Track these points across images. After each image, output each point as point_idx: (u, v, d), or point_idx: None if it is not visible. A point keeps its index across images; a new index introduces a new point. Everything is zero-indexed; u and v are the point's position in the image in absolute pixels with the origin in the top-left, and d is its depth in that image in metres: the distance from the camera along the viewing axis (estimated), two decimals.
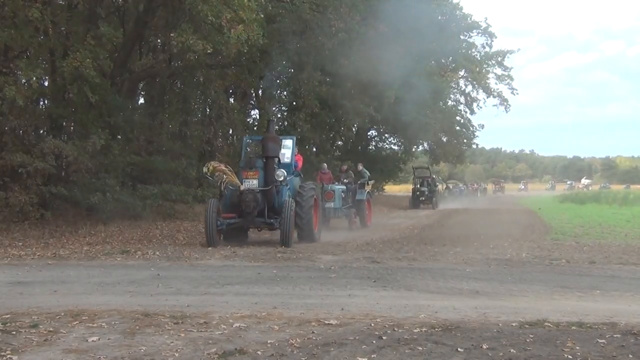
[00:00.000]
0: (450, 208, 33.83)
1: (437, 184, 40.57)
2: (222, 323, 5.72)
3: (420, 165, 44.50)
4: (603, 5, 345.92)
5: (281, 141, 14.87)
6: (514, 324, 5.64)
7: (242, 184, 13.79)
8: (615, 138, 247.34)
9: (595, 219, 22.09)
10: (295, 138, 16.48)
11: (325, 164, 20.81)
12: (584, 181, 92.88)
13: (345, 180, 19.73)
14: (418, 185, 36.72)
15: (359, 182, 20.42)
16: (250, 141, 16.21)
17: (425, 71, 34.50)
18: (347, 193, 19.07)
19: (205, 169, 13.90)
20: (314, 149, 32.82)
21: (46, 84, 18.42)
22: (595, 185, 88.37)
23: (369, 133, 42.55)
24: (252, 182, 13.88)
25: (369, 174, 21.69)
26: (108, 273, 9.37)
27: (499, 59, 47.03)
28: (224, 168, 13.89)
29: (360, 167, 21.62)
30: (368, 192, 20.73)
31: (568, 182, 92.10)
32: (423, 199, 35.52)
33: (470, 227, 19.09)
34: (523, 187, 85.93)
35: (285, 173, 14.19)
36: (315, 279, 8.68)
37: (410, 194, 38.14)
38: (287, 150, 15.32)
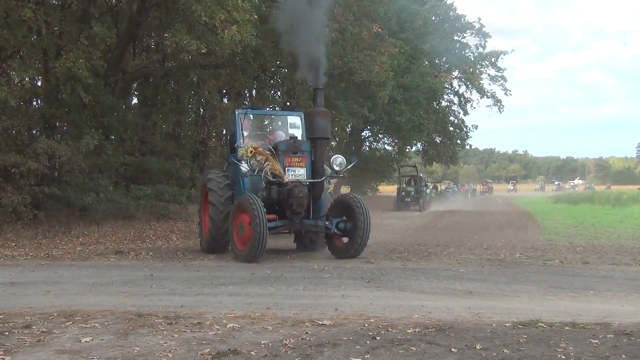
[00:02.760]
0: (436, 210, 31.90)
1: (428, 184, 39.52)
2: (215, 323, 5.70)
3: (406, 163, 44.14)
4: (596, 6, 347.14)
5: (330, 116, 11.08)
6: (507, 324, 5.64)
7: (285, 174, 10.60)
8: (608, 139, 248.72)
9: (588, 219, 22.16)
10: (303, 114, 12.50)
11: None
12: (575, 182, 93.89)
13: None
14: (404, 185, 34.94)
15: None
16: (244, 115, 12.09)
17: (419, 72, 34.64)
18: None
19: (242, 151, 10.76)
20: None
21: (39, 84, 18.35)
22: (581, 186, 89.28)
23: (362, 133, 42.64)
24: (299, 172, 10.76)
25: (330, 171, 18.98)
26: (101, 273, 9.35)
27: (493, 59, 47.13)
28: (266, 152, 10.74)
29: None
30: (330, 192, 18.33)
31: (556, 183, 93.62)
32: (409, 199, 33.38)
33: (463, 228, 19.12)
34: (512, 187, 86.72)
35: (345, 161, 11.11)
36: (309, 279, 8.67)
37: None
38: (296, 130, 11.85)
